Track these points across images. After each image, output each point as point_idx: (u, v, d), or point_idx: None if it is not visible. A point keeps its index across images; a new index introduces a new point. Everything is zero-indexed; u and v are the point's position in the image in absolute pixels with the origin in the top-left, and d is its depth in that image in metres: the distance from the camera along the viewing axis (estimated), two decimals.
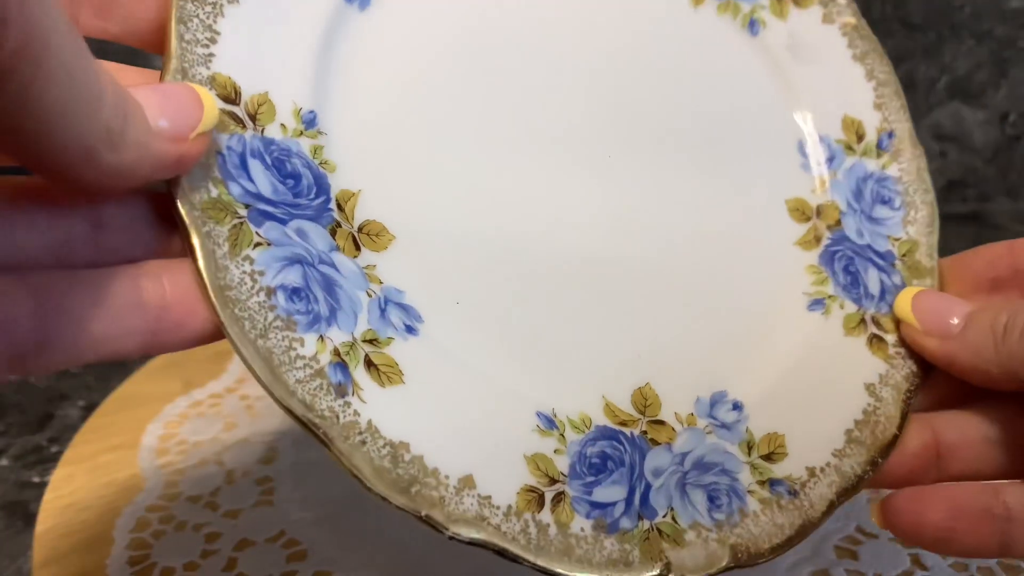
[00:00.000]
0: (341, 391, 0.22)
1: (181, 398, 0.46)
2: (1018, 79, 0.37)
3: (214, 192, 0.22)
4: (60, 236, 0.21)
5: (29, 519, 0.38)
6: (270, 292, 0.22)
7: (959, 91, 0.39)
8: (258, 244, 0.22)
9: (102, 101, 0.17)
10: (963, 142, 0.39)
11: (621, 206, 0.29)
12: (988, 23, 0.35)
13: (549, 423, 0.25)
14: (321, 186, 0.24)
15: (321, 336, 0.22)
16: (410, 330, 0.24)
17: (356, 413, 0.22)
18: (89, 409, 0.46)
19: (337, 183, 0.25)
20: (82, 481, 0.40)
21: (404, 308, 0.25)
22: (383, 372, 0.23)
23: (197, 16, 0.23)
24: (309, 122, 0.25)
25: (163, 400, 0.46)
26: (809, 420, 0.28)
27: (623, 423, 0.26)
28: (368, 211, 0.25)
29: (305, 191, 0.24)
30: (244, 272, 0.22)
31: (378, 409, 0.22)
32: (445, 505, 0.22)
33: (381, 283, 0.24)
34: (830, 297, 0.30)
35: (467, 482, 0.23)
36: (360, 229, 0.25)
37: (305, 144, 0.24)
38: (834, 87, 0.33)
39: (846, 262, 0.31)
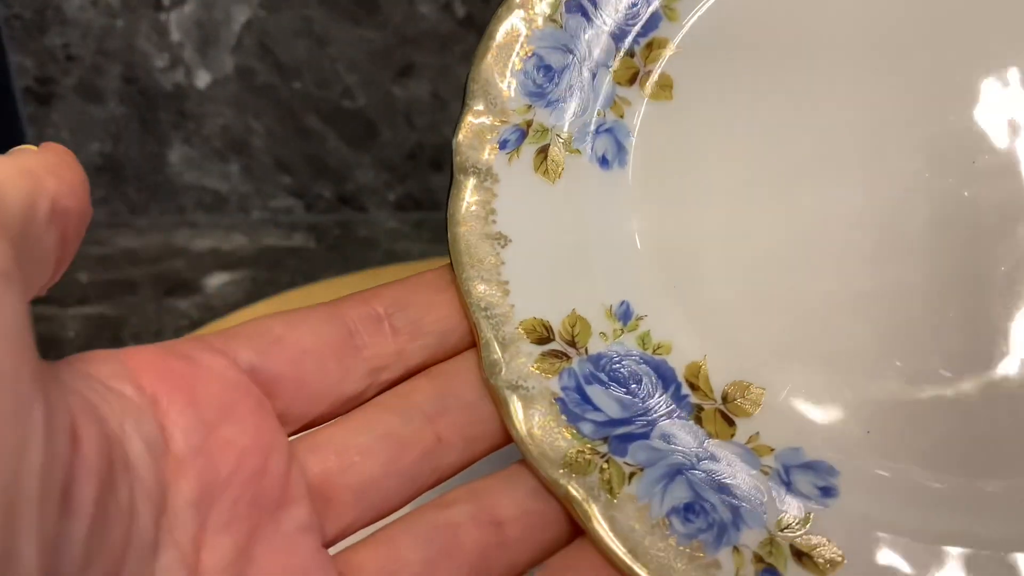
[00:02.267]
0: None
1: None
2: None
3: (572, 448, 0.22)
4: None
5: None
6: (664, 524, 0.21)
7: None
8: (632, 475, 0.21)
9: None
10: None
11: None
12: None
13: None
14: (664, 375, 0.23)
15: (735, 547, 0.20)
16: (827, 492, 0.21)
17: None
18: None
19: (679, 361, 0.23)
20: None
21: (810, 467, 0.21)
22: (818, 559, 0.20)
23: (483, 280, 0.23)
24: (624, 315, 0.23)
25: None
26: None
27: None
28: (723, 375, 0.23)
29: (652, 389, 0.22)
30: (630, 515, 0.21)
31: None
32: None
33: (773, 450, 0.22)
34: None
35: None
36: (725, 399, 0.22)
37: (630, 341, 0.23)
38: None
39: None
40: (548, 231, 0.24)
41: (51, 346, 0.46)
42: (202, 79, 0.47)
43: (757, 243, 0.24)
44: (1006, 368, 0.21)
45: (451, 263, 0.23)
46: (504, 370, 0.22)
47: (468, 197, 0.24)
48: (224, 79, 0.47)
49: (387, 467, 0.21)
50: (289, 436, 0.21)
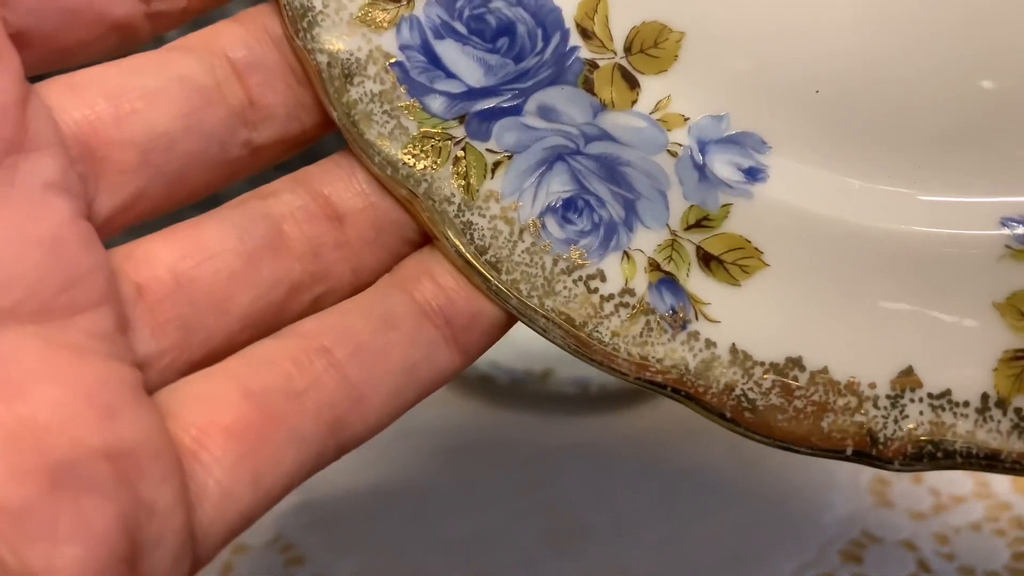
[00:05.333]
0: (678, 321, 0.16)
1: None
2: None
3: (411, 127, 0.16)
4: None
5: None
6: (536, 227, 0.16)
7: None
8: (497, 164, 0.16)
9: None
10: None
11: None
12: None
13: None
14: (546, 20, 0.16)
15: (625, 252, 0.16)
16: (753, 174, 0.16)
17: (710, 344, 0.16)
18: None
19: None
20: None
21: (734, 142, 0.16)
22: (730, 264, 0.16)
23: None
24: None
25: None
26: None
27: None
28: (632, 11, 0.16)
29: (529, 42, 0.16)
30: (493, 217, 0.16)
31: (739, 323, 0.16)
32: (882, 428, 0.15)
33: (686, 120, 0.16)
34: None
35: (906, 380, 0.15)
36: (629, 49, 0.16)
37: None
38: None
39: None
40: None
41: None
42: None
43: None
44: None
45: None
46: (313, 25, 0.16)
47: None
48: None
49: (184, 121, 0.15)
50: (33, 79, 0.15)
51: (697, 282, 0.16)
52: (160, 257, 0.15)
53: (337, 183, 0.17)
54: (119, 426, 0.13)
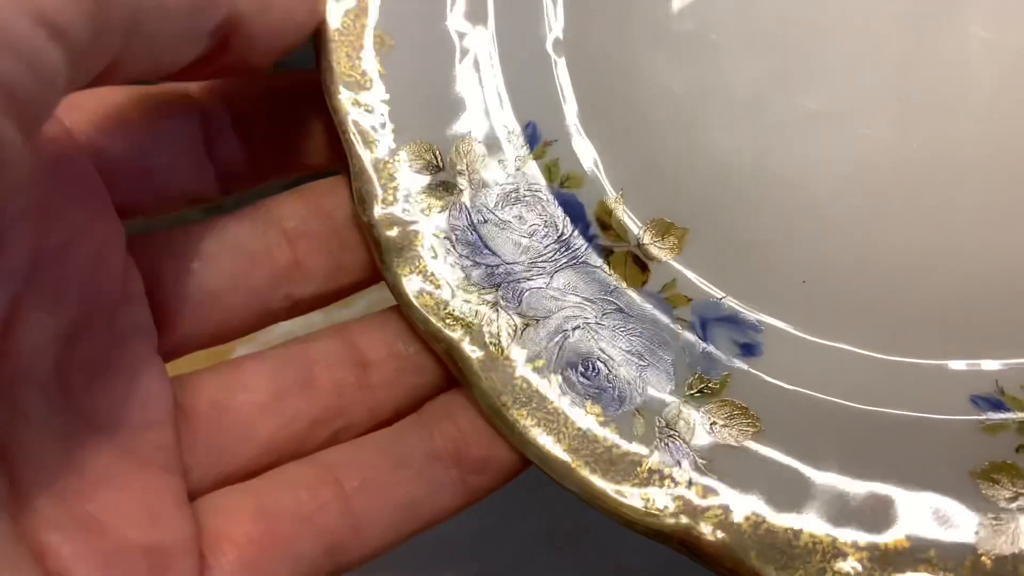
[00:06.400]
0: (683, 477, 0.17)
1: None
2: None
3: (456, 296, 0.18)
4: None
5: None
6: (556, 383, 0.18)
7: None
8: (524, 327, 0.18)
9: None
10: None
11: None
12: None
13: (996, 408, 0.17)
14: (572, 213, 0.19)
15: (636, 411, 0.18)
16: (748, 350, 0.18)
17: (712, 498, 0.17)
18: None
19: (590, 197, 0.19)
20: None
21: (731, 321, 0.19)
22: (730, 427, 0.18)
23: (357, 96, 0.19)
24: (530, 140, 0.19)
25: None
26: None
27: None
28: (642, 211, 0.19)
29: (556, 230, 0.19)
30: (519, 372, 0.18)
31: (737, 482, 0.17)
32: None
33: (690, 300, 0.19)
34: None
35: (892, 543, 0.16)
36: (641, 240, 0.19)
37: (534, 170, 0.19)
38: None
39: None
40: (442, 31, 0.20)
41: None
42: None
43: (707, 52, 0.19)
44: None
45: (321, 75, 0.19)
46: (376, 205, 0.19)
47: None
48: None
49: (231, 281, 0.18)
50: None
51: (700, 441, 0.17)
52: (204, 388, 0.18)
53: (370, 335, 0.19)
54: (159, 528, 0.16)
